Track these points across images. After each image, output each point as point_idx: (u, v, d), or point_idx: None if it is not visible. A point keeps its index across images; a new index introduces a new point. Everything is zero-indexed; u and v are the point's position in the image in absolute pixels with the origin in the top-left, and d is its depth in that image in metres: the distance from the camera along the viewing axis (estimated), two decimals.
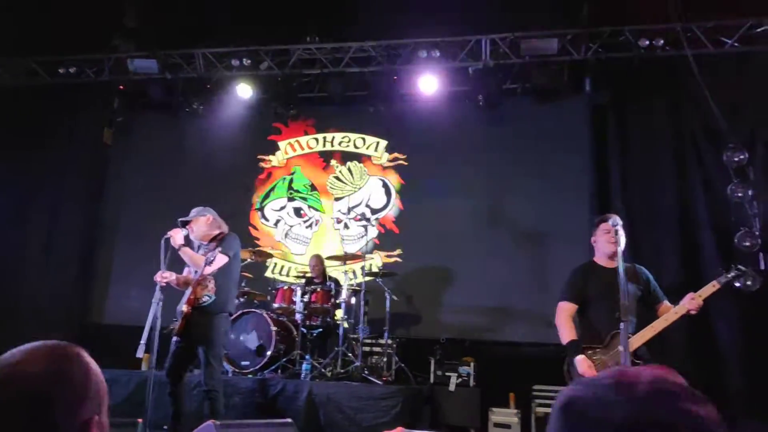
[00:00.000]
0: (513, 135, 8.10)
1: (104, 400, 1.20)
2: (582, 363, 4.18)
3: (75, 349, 1.20)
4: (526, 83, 7.88)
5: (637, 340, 4.14)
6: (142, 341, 4.53)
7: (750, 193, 6.59)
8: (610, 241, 4.37)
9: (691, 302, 4.09)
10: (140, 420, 4.45)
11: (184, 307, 4.83)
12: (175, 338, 4.93)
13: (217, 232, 5.10)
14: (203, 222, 5.08)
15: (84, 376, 1.16)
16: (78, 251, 8.76)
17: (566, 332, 4.38)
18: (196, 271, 4.91)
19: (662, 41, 7.14)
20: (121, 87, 8.62)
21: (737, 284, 4.15)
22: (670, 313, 4.14)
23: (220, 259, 4.89)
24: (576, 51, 7.46)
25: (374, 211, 8.45)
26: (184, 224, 5.03)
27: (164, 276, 4.69)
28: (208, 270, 4.83)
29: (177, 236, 4.85)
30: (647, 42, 7.15)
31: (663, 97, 7.59)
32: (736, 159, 6.67)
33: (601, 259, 4.50)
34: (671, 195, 7.31)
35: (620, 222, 4.35)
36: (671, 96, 7.53)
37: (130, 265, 8.37)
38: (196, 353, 4.94)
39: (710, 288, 4.14)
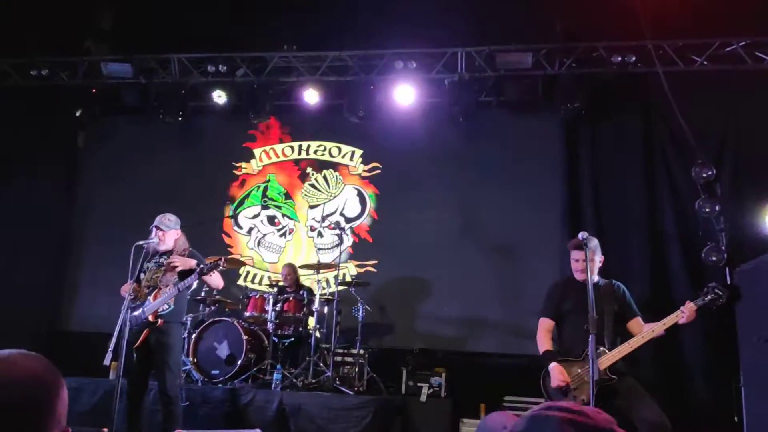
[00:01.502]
0: (487, 147, 8.17)
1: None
2: (554, 370, 4.32)
3: (44, 358, 1.21)
4: (501, 96, 7.96)
5: (614, 355, 4.25)
6: (110, 349, 4.49)
7: (717, 208, 6.72)
8: (577, 270, 4.54)
9: (660, 327, 4.24)
10: (106, 429, 4.39)
11: (150, 317, 4.80)
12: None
13: (182, 249, 5.09)
14: (173, 235, 5.07)
15: (62, 388, 1.18)
16: (47, 256, 8.61)
17: (542, 344, 4.56)
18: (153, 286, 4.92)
19: (634, 58, 7.27)
20: (94, 90, 8.49)
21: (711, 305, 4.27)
22: (646, 333, 4.26)
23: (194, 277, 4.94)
24: (550, 65, 7.57)
25: (348, 220, 8.45)
26: (156, 229, 5.00)
27: (125, 289, 4.80)
28: (217, 278, 5.12)
29: (168, 240, 5.01)
30: (620, 58, 7.27)
31: (634, 112, 7.75)
32: (704, 175, 6.80)
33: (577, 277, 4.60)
34: (641, 208, 7.45)
35: (594, 243, 4.43)
36: (642, 111, 7.69)
37: (98, 272, 8.24)
38: (154, 364, 4.89)
39: (688, 313, 4.23)
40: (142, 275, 5.05)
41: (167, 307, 4.91)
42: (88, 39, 8.25)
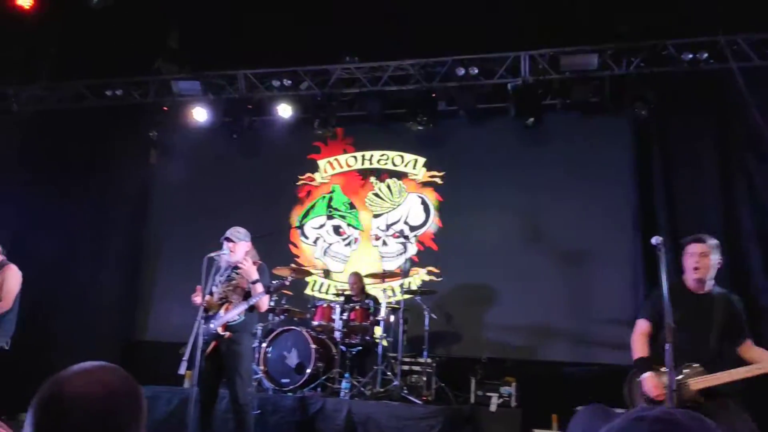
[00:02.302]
0: (553, 151, 8.02)
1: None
2: (648, 381, 3.99)
3: (122, 370, 1.24)
4: (567, 99, 7.80)
5: (709, 380, 3.85)
6: (185, 358, 4.62)
7: None
8: (691, 267, 4.12)
9: None
10: None
11: (219, 329, 4.92)
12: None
13: (252, 262, 5.19)
14: (244, 247, 5.16)
15: (137, 396, 1.21)
16: (124, 269, 8.97)
17: (636, 349, 4.21)
18: (225, 297, 5.06)
19: (706, 54, 7.00)
20: (165, 108, 8.82)
21: None
22: (755, 367, 3.81)
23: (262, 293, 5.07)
24: (617, 65, 7.37)
25: (413, 228, 8.44)
26: (227, 241, 5.12)
27: (197, 300, 4.91)
28: (263, 306, 5.14)
29: (239, 251, 5.02)
30: (690, 55, 7.02)
31: (708, 111, 7.42)
32: None
33: (689, 280, 4.20)
34: (717, 212, 7.11)
35: (713, 242, 4.11)
36: (716, 110, 7.36)
37: (171, 284, 8.51)
38: (225, 372, 5.01)
39: None
40: (214, 288, 5.18)
41: (238, 318, 5.02)
42: (158, 59, 8.57)
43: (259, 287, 5.01)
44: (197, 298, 4.97)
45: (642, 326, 4.24)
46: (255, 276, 5.01)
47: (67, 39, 8.30)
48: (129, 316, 8.92)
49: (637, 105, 7.31)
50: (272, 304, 7.16)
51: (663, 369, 3.95)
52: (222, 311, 5.02)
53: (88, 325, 8.32)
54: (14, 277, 5.83)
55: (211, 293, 5.15)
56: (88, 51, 8.46)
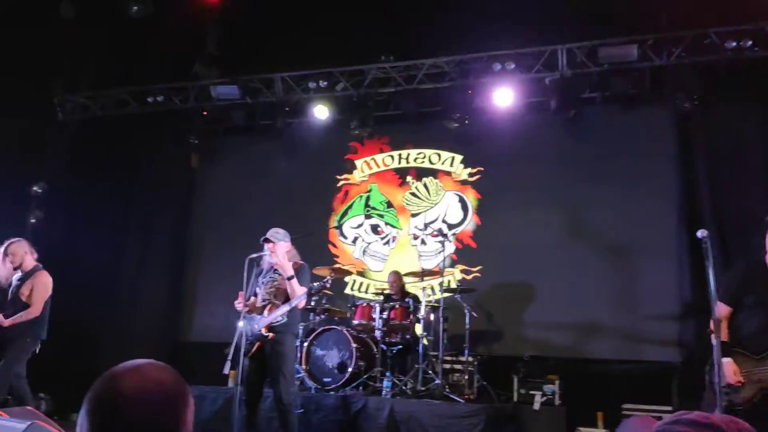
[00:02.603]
0: (594, 145, 7.88)
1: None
2: (727, 367, 3.89)
3: (169, 367, 1.25)
4: (606, 92, 7.66)
5: None
6: (228, 358, 4.70)
7: None
8: None
9: None
10: None
11: (263, 330, 4.99)
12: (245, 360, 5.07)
13: (292, 262, 5.24)
14: (284, 247, 5.22)
15: (185, 393, 1.22)
16: (168, 272, 9.17)
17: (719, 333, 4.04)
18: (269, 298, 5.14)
19: (750, 42, 6.79)
20: (205, 113, 8.98)
21: None
22: None
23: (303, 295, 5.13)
24: (657, 56, 7.20)
25: (451, 227, 8.40)
26: (266, 242, 5.18)
27: (239, 305, 5.03)
28: (302, 304, 5.17)
29: (279, 251, 5.09)
30: (734, 43, 6.82)
31: (752, 99, 7.19)
32: None
33: None
34: (764, 203, 6.89)
35: None
36: (762, 98, 7.13)
37: (214, 285, 8.64)
38: (268, 372, 5.07)
39: None
40: (258, 289, 5.25)
41: (281, 319, 5.08)
42: (197, 64, 8.72)
43: (296, 283, 5.05)
44: (240, 305, 5.06)
45: (721, 310, 4.07)
46: (290, 272, 5.05)
47: (109, 47, 8.51)
48: (174, 317, 9.09)
49: (678, 96, 7.15)
50: (313, 303, 7.22)
51: (740, 351, 3.92)
52: (265, 312, 5.09)
53: (135, 327, 8.54)
54: (44, 283, 5.92)
55: (255, 294, 5.23)
56: (129, 58, 8.67)
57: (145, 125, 9.07)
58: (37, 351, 5.88)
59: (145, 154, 9.29)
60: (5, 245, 5.92)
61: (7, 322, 5.69)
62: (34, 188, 8.42)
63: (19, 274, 5.94)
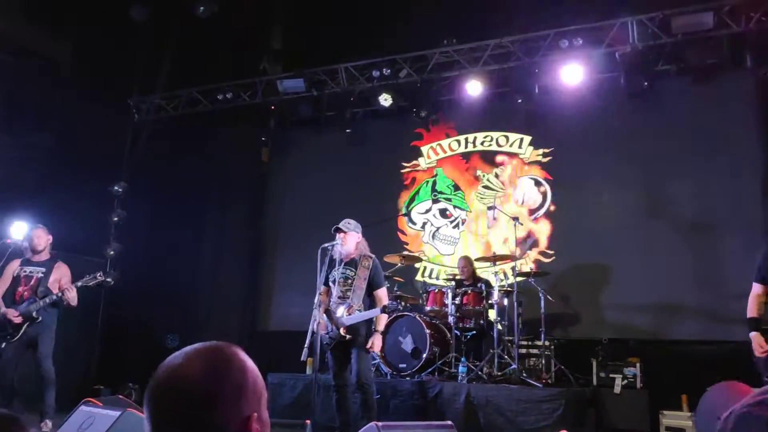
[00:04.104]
0: (669, 119, 7.58)
1: (263, 395, 1.21)
2: (755, 339, 4.18)
3: (231, 348, 1.22)
4: (681, 63, 7.34)
5: None
6: (306, 345, 4.80)
7: None
8: None
9: None
10: (308, 421, 4.69)
11: (342, 330, 5.07)
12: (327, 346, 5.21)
13: (362, 254, 5.35)
14: (355, 238, 5.29)
15: (241, 373, 1.18)
16: (244, 264, 9.44)
17: (749, 310, 4.47)
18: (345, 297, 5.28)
19: None
20: (273, 107, 9.15)
21: None
22: None
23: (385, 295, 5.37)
24: (736, 23, 6.84)
25: (531, 211, 8.25)
26: (337, 231, 5.26)
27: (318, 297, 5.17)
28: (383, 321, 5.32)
29: (350, 241, 5.27)
30: None
31: None
32: None
33: None
34: None
35: None
36: None
37: (289, 274, 8.84)
38: (350, 355, 5.18)
39: None
40: (331, 284, 5.35)
41: (359, 310, 5.19)
42: (263, 60, 8.89)
43: (383, 294, 5.31)
44: (318, 300, 5.18)
45: (755, 289, 4.54)
46: (381, 327, 5.24)
47: (178, 48, 8.78)
48: (252, 308, 9.36)
49: (759, 63, 6.77)
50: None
51: None
52: (344, 312, 5.15)
53: (215, 319, 8.84)
54: (68, 273, 5.95)
55: (325, 284, 5.32)
56: (198, 58, 8.92)
57: (216, 122, 9.33)
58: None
59: (217, 150, 9.56)
60: (38, 227, 6.01)
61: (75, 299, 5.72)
62: (115, 188, 8.81)
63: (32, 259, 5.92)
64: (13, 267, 5.90)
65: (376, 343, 5.15)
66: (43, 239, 5.96)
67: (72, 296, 5.73)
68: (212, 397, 1.13)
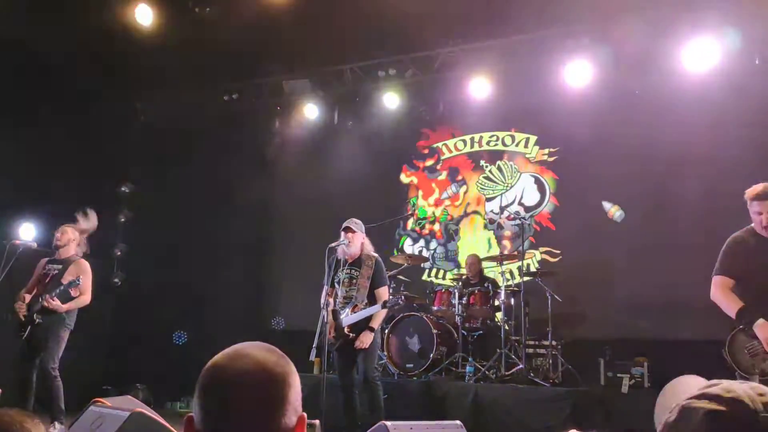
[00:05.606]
0: (675, 118, 7.54)
1: None
2: (764, 327, 3.74)
3: (278, 350, 1.30)
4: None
5: None
6: (314, 346, 4.82)
7: None
8: (762, 225, 3.91)
9: None
10: (317, 421, 4.69)
11: (346, 329, 5.09)
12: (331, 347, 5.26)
13: (365, 253, 5.41)
14: (360, 238, 5.32)
15: (294, 375, 1.26)
16: (253, 264, 9.46)
17: (731, 304, 3.98)
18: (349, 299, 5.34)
19: None
20: (279, 107, 9.17)
21: None
22: None
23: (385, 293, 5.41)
24: None
25: (528, 209, 8.26)
26: (347, 231, 5.28)
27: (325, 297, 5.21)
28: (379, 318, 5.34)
29: (356, 241, 5.33)
30: None
31: None
32: None
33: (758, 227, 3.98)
34: None
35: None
36: None
37: (296, 274, 8.84)
38: (356, 355, 5.23)
39: None
40: (337, 285, 5.37)
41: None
42: (269, 60, 8.90)
43: (383, 292, 5.34)
44: (325, 299, 5.20)
45: (725, 282, 4.03)
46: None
47: (183, 49, 8.79)
48: (259, 307, 9.37)
49: None
50: (391, 291, 7.28)
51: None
52: (349, 311, 5.19)
53: (223, 319, 8.82)
54: (90, 272, 5.77)
55: (331, 286, 5.35)
56: (203, 59, 8.93)
57: (222, 123, 9.34)
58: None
59: (224, 150, 9.55)
60: (68, 225, 5.89)
61: (64, 308, 5.50)
62: (122, 188, 8.83)
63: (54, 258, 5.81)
64: (40, 265, 5.84)
65: (364, 340, 5.15)
66: (65, 236, 5.78)
67: (55, 305, 5.47)
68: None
